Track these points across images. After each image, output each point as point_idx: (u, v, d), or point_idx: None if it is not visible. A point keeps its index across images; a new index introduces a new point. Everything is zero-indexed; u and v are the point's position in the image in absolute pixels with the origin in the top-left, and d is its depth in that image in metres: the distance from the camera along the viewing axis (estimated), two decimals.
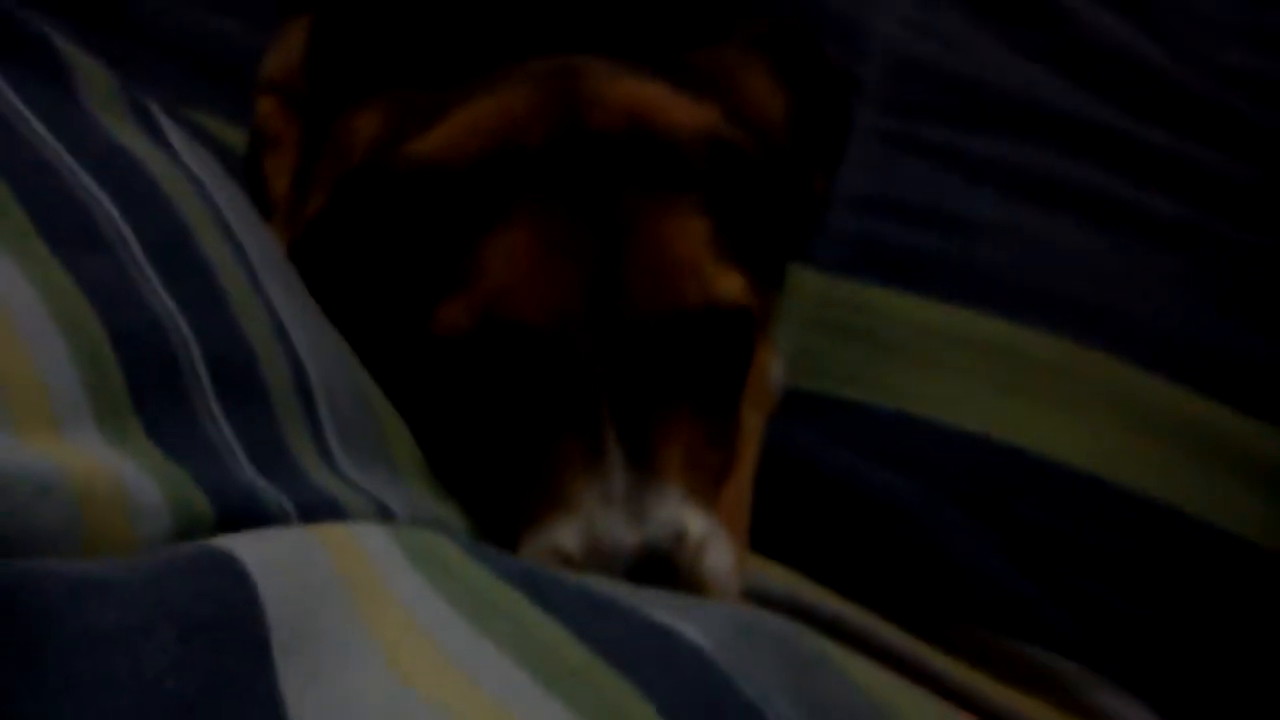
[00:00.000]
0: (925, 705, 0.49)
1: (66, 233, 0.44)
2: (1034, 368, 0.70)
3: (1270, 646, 0.61)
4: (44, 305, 0.41)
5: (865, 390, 0.69)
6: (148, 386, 0.42)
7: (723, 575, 0.54)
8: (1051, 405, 0.68)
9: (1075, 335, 0.71)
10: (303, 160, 0.75)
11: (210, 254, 0.50)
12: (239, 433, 0.46)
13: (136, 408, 0.42)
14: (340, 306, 0.59)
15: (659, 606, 0.41)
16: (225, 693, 0.31)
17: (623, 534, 0.52)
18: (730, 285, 0.57)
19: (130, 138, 0.55)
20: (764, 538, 0.62)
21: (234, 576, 0.35)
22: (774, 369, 0.69)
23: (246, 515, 0.41)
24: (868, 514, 0.64)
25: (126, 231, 0.47)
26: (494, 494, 0.57)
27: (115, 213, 0.48)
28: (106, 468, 0.38)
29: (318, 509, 0.45)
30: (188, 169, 0.56)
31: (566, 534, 0.53)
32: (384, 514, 0.49)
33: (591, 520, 0.52)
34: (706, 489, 0.56)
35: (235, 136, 0.82)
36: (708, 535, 0.54)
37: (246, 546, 0.37)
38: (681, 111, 0.61)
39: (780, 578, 0.61)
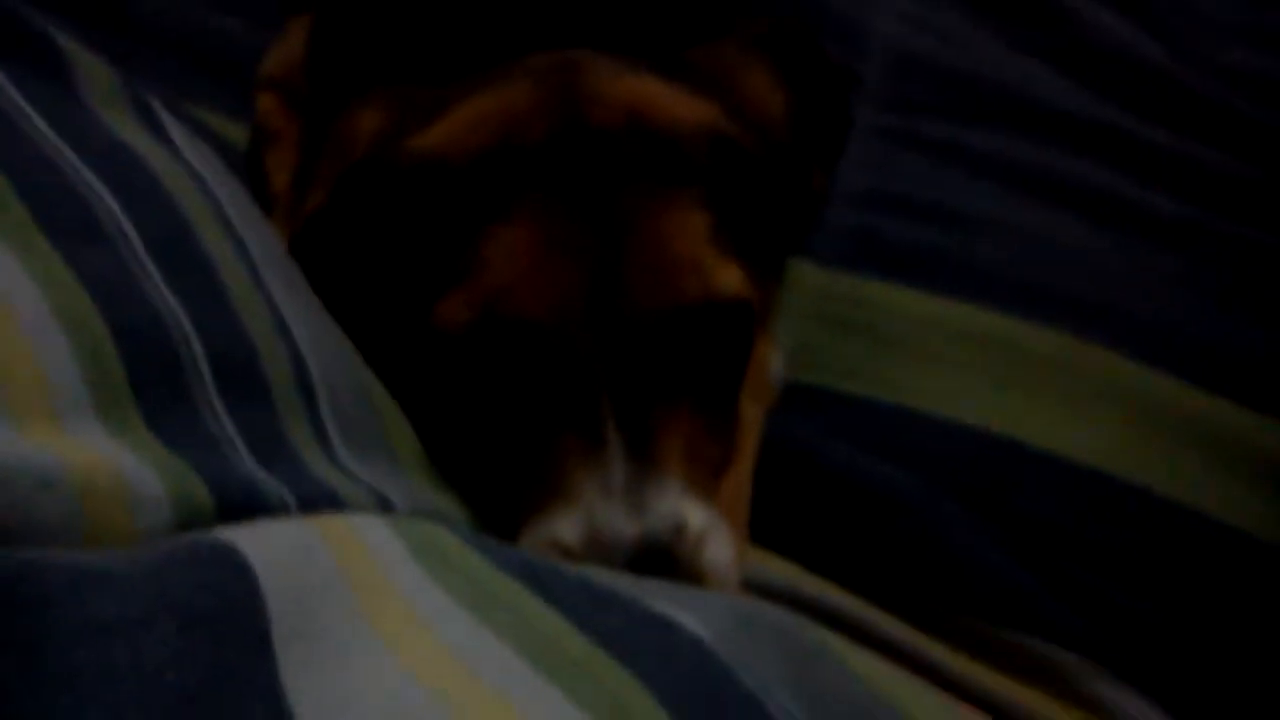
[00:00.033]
0: (925, 696, 0.49)
1: (68, 228, 0.44)
2: (1034, 362, 0.70)
3: (1270, 639, 0.61)
4: (45, 300, 0.41)
5: (865, 384, 0.69)
6: (149, 381, 0.42)
7: (723, 567, 0.54)
8: (1051, 399, 0.68)
9: (1075, 330, 0.71)
10: (303, 157, 0.75)
11: (211, 250, 0.51)
12: (240, 427, 0.46)
13: (137, 402, 0.42)
14: (341, 301, 0.59)
15: (659, 598, 0.41)
16: (226, 685, 0.31)
17: (623, 526, 0.52)
18: (730, 279, 0.57)
19: (132, 134, 0.55)
20: (764, 530, 0.62)
21: (235, 568, 0.35)
22: (774, 363, 0.69)
23: (247, 507, 0.41)
24: (867, 507, 0.64)
25: (128, 227, 0.47)
26: (494, 487, 0.57)
27: (116, 208, 0.48)
28: (107, 461, 0.38)
29: (318, 501, 0.45)
30: (189, 165, 0.56)
31: (567, 526, 0.53)
32: (384, 506, 0.49)
33: (592, 512, 0.53)
34: (706, 481, 0.56)
35: (236, 133, 0.82)
36: (708, 527, 0.54)
37: (247, 538, 0.37)
38: (681, 107, 0.62)
39: (780, 570, 0.61)
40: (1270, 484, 0.66)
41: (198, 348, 0.45)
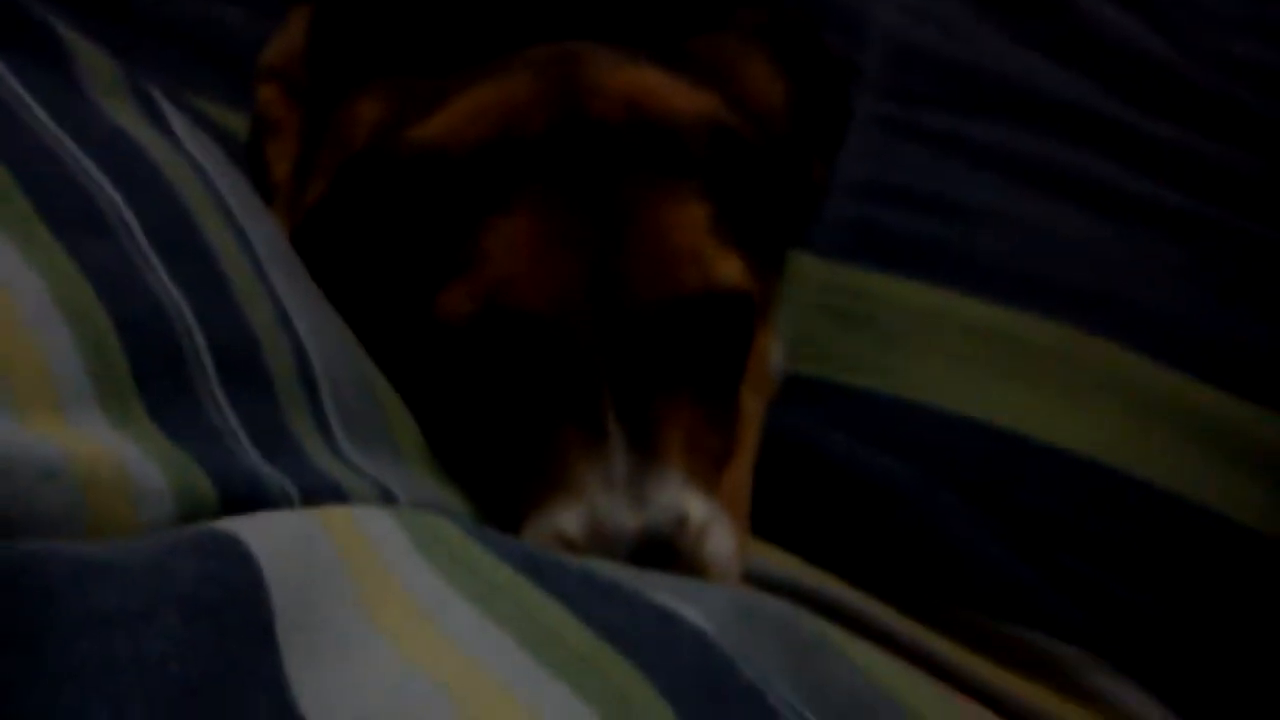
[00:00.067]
0: (924, 688, 0.49)
1: (69, 218, 0.44)
2: (1035, 354, 0.70)
3: (1269, 632, 0.61)
4: (47, 291, 0.41)
5: (865, 376, 0.69)
6: (151, 372, 0.42)
7: (724, 559, 0.54)
8: (1052, 391, 0.68)
9: (1076, 322, 0.71)
10: (304, 147, 0.75)
11: (213, 240, 0.51)
12: (242, 418, 0.46)
13: (140, 393, 0.42)
14: (342, 292, 0.59)
15: (661, 590, 0.41)
16: (229, 676, 0.31)
17: (624, 518, 0.52)
18: (730, 270, 0.57)
19: (133, 124, 0.55)
20: (764, 522, 0.62)
21: (238, 559, 0.35)
22: (774, 354, 0.69)
23: (250, 499, 0.41)
24: (868, 499, 0.64)
25: (129, 217, 0.47)
26: (496, 479, 0.57)
27: (118, 199, 0.47)
28: (110, 452, 0.38)
29: (321, 493, 0.45)
30: (190, 155, 0.56)
31: (569, 518, 0.53)
32: (387, 498, 0.49)
33: (593, 505, 0.53)
34: (707, 473, 0.56)
35: (237, 123, 0.82)
36: (709, 519, 0.54)
37: (250, 529, 0.37)
38: (681, 98, 0.61)
39: (781, 562, 0.61)
40: (1271, 477, 0.66)
41: (200, 339, 0.45)
